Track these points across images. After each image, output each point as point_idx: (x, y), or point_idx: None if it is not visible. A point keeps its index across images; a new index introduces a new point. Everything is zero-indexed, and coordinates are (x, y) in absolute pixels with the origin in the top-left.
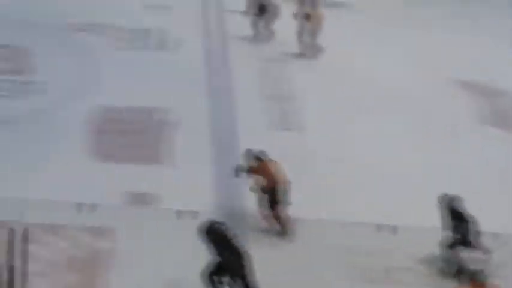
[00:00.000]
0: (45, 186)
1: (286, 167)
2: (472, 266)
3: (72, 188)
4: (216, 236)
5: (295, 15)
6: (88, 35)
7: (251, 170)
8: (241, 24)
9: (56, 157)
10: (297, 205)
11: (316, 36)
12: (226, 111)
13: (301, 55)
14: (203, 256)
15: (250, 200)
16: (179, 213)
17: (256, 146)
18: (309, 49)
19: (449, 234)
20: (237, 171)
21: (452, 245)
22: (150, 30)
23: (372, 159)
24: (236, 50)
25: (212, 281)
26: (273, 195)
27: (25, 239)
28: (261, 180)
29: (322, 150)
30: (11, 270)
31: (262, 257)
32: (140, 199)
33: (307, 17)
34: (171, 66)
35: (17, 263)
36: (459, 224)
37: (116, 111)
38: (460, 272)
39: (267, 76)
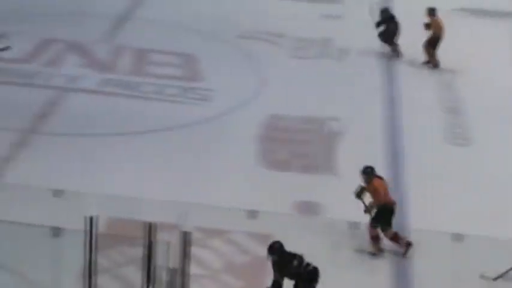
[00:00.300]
0: (213, 191)
1: (456, 182)
2: None
3: (239, 194)
4: (280, 256)
5: (425, 26)
6: (259, 43)
7: (363, 190)
8: (413, 35)
9: (224, 163)
10: (468, 221)
11: (437, 45)
12: (398, 123)
13: (427, 65)
14: (364, 267)
15: (414, 215)
16: (344, 224)
17: (426, 159)
18: (432, 59)
19: None
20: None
21: None
22: (322, 39)
23: None
24: (407, 61)
25: None
26: (383, 214)
27: (189, 242)
28: (369, 198)
29: (492, 166)
30: (176, 272)
31: (427, 276)
32: (307, 208)
33: (427, 26)
34: (341, 76)
35: (181, 265)
36: None
37: (286, 120)
38: None
39: (435, 87)
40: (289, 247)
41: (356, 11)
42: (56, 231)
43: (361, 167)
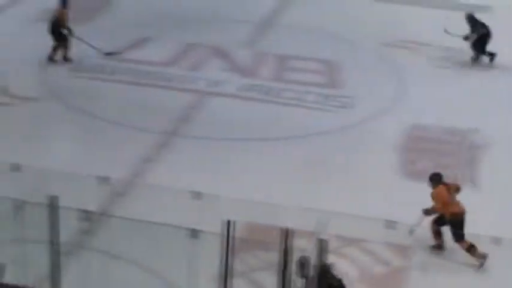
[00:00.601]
0: (350, 199)
1: None
2: None
3: (377, 203)
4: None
5: None
6: (402, 51)
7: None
8: None
9: (363, 172)
10: None
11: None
12: None
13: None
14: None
15: None
16: (486, 239)
17: None
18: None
19: None
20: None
21: None
22: (468, 49)
23: None
24: None
25: None
26: (440, 221)
27: (326, 249)
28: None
29: None
30: (311, 279)
31: None
32: None
33: None
34: (486, 87)
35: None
36: None
37: (427, 130)
38: None
39: None
40: (427, 261)
41: (505, 20)
42: (194, 233)
43: (501, 181)
